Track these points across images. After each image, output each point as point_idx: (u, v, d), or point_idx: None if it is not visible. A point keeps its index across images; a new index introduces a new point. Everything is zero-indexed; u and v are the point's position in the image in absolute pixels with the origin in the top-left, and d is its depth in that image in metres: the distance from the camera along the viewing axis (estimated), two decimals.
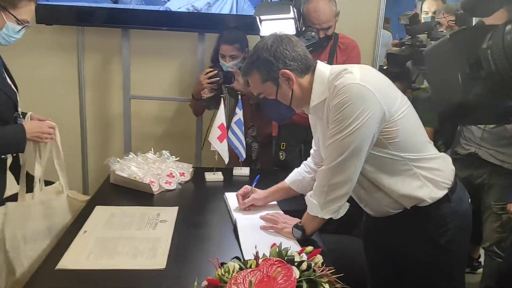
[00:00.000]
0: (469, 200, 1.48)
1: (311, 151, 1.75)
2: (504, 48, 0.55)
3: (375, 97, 1.29)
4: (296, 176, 1.77)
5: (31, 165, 1.77)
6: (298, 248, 1.46)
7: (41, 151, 1.78)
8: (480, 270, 2.67)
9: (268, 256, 1.17)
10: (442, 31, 1.77)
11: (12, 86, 1.73)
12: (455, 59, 0.61)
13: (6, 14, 1.60)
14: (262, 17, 2.15)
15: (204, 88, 2.48)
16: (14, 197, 1.76)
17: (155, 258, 1.41)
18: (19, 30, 1.66)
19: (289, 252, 1.19)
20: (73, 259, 1.39)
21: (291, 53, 1.41)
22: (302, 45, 1.46)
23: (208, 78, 2.45)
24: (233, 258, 1.14)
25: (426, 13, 2.54)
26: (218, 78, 2.43)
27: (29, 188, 1.77)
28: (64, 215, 1.84)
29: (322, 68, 1.44)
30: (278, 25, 2.12)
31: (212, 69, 2.46)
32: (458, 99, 0.60)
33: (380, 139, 1.34)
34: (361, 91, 1.29)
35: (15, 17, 1.61)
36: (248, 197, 1.79)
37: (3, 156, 1.70)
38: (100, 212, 1.73)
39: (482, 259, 2.68)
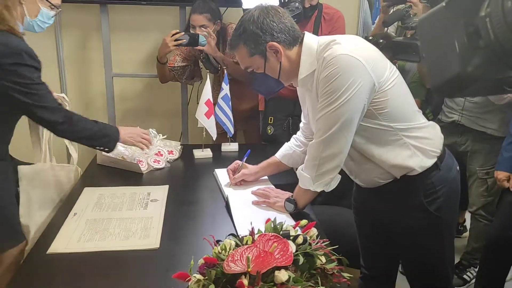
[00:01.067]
0: (457, 167, 1.50)
1: (301, 124, 1.74)
2: (504, 15, 0.53)
3: (365, 68, 1.27)
4: (287, 150, 1.77)
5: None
6: (292, 222, 1.46)
7: None
8: (466, 234, 2.75)
9: (263, 232, 1.17)
10: (415, 14, 1.76)
11: None
12: (451, 28, 0.58)
13: (40, 0, 1.58)
14: None
15: (169, 50, 2.41)
16: None
17: (148, 237, 1.40)
18: (53, 16, 1.65)
19: (284, 227, 1.19)
20: (64, 242, 1.37)
21: (278, 25, 1.37)
22: (288, 16, 1.42)
23: (174, 40, 2.36)
24: (228, 235, 1.13)
25: None
26: (184, 40, 2.36)
27: None
28: (70, 185, 1.84)
29: (310, 39, 1.41)
30: None
31: (178, 31, 2.39)
32: (456, 71, 0.57)
33: (370, 110, 1.33)
34: (350, 62, 1.27)
35: (49, 2, 1.59)
36: (239, 172, 1.78)
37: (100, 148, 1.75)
38: (89, 194, 1.71)
39: (467, 224, 2.76)
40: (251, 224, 1.12)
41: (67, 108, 1.74)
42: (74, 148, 1.89)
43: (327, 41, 1.35)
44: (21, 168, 1.69)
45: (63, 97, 1.86)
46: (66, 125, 1.58)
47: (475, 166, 2.24)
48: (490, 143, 2.18)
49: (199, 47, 2.37)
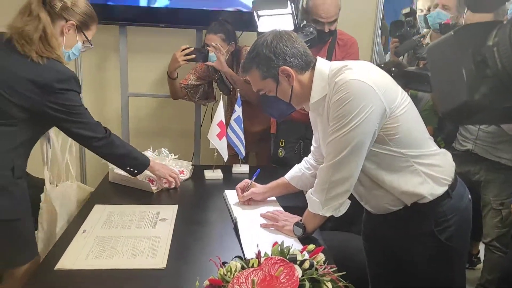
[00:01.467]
0: (470, 196, 1.48)
1: (312, 147, 1.74)
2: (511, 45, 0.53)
3: (376, 93, 1.28)
4: (296, 172, 1.77)
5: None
6: (299, 246, 1.45)
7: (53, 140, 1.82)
8: (479, 266, 2.67)
9: (270, 255, 1.16)
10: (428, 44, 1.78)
11: None
12: (459, 56, 0.58)
13: (80, 35, 1.66)
14: (260, 13, 2.13)
15: (179, 65, 2.45)
16: None
17: (155, 257, 1.40)
18: (82, 50, 1.73)
19: (291, 251, 1.18)
20: (72, 259, 1.38)
21: (291, 50, 1.39)
22: (301, 41, 1.45)
23: (184, 55, 2.41)
24: (234, 257, 1.13)
25: (421, 11, 2.54)
26: (194, 56, 2.40)
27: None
28: (74, 203, 1.88)
29: (322, 64, 1.43)
30: (276, 20, 2.11)
31: (188, 46, 2.43)
32: (464, 99, 0.57)
33: (380, 136, 1.33)
34: (361, 88, 1.28)
35: (87, 38, 1.68)
36: (248, 190, 1.79)
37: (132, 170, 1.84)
38: (99, 211, 1.72)
39: (481, 255, 2.69)
40: (257, 247, 1.12)
41: None
42: (72, 167, 1.92)
43: (339, 67, 1.37)
44: (50, 189, 1.73)
45: None
46: (104, 141, 1.70)
47: (489, 196, 2.20)
48: (504, 173, 2.15)
49: (208, 63, 2.42)
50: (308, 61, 1.42)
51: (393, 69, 1.85)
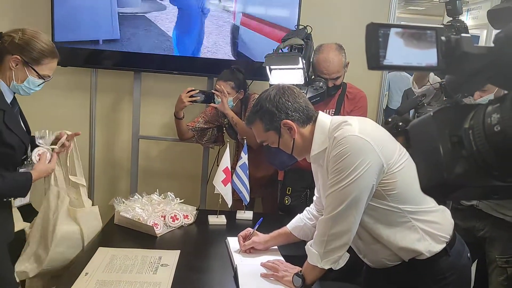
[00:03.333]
0: (469, 254, 1.48)
1: (314, 198, 1.76)
2: (485, 130, 0.56)
3: (373, 149, 1.32)
4: (298, 222, 1.79)
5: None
6: None
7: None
8: None
9: None
10: (430, 104, 1.82)
11: (25, 129, 1.80)
12: (438, 137, 0.60)
13: (29, 69, 1.68)
14: (272, 66, 2.19)
15: (184, 106, 2.53)
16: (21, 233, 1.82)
17: None
18: (40, 84, 1.75)
19: None
20: None
21: (293, 104, 1.45)
22: (304, 96, 1.51)
23: (190, 97, 2.51)
24: None
25: None
26: (199, 97, 2.49)
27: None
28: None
29: (323, 118, 1.48)
30: (287, 74, 2.16)
31: (193, 88, 2.53)
32: (441, 177, 0.59)
33: (378, 191, 1.36)
34: (359, 143, 1.32)
35: (37, 72, 1.70)
36: (249, 239, 1.80)
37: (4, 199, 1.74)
38: (102, 254, 1.74)
39: None
40: None
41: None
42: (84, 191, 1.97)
43: (339, 122, 1.42)
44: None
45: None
46: None
47: (494, 254, 2.16)
48: (509, 230, 2.12)
49: (212, 105, 2.51)
50: (310, 115, 1.48)
51: (400, 123, 1.89)
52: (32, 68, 1.68)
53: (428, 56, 0.63)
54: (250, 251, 1.80)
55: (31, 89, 1.73)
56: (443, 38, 0.63)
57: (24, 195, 1.76)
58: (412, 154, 0.67)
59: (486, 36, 5.35)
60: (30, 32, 1.67)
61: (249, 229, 1.85)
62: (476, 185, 0.60)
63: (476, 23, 6.17)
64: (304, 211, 1.81)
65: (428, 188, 0.63)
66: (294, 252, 1.77)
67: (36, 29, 1.72)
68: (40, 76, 1.71)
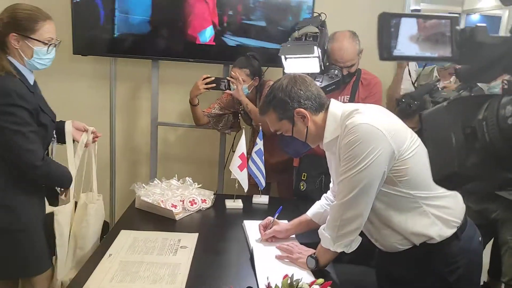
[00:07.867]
0: (480, 238, 1.50)
1: (330, 184, 1.80)
2: (498, 121, 0.55)
3: (385, 137, 1.35)
4: (318, 209, 1.81)
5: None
6: (312, 278, 1.51)
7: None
8: None
9: (280, 287, 1.23)
10: (444, 88, 1.80)
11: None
12: (450, 127, 0.59)
13: (29, 40, 1.66)
14: (288, 56, 2.20)
15: (200, 93, 2.59)
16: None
17: (174, 283, 1.49)
18: (48, 50, 1.71)
19: (300, 284, 1.25)
20: (98, 282, 1.48)
21: (305, 93, 1.49)
22: (315, 84, 1.54)
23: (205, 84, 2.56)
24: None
25: None
26: (215, 85, 2.55)
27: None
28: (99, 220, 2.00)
29: (335, 107, 1.51)
30: (302, 62, 2.18)
31: (209, 76, 2.58)
32: (454, 168, 0.58)
33: (390, 177, 1.39)
34: (370, 131, 1.35)
35: (38, 40, 1.68)
36: (270, 228, 1.83)
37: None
38: (124, 236, 1.83)
39: None
40: (267, 279, 1.19)
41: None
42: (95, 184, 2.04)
43: (350, 110, 1.45)
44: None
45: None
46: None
47: (507, 235, 2.19)
48: None
49: (227, 91, 2.56)
50: (322, 103, 1.51)
51: (413, 104, 1.89)
52: (31, 38, 1.67)
53: (441, 46, 0.63)
54: (271, 240, 1.81)
55: (44, 59, 1.72)
56: (457, 28, 0.62)
57: (68, 186, 1.88)
58: (425, 143, 0.66)
59: (508, 17, 5.22)
60: (11, 7, 1.68)
61: (270, 218, 1.87)
62: (488, 177, 0.60)
63: (498, 4, 6.01)
64: (322, 198, 1.83)
65: (440, 178, 0.63)
66: (311, 239, 1.80)
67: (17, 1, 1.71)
68: (44, 43, 1.70)
